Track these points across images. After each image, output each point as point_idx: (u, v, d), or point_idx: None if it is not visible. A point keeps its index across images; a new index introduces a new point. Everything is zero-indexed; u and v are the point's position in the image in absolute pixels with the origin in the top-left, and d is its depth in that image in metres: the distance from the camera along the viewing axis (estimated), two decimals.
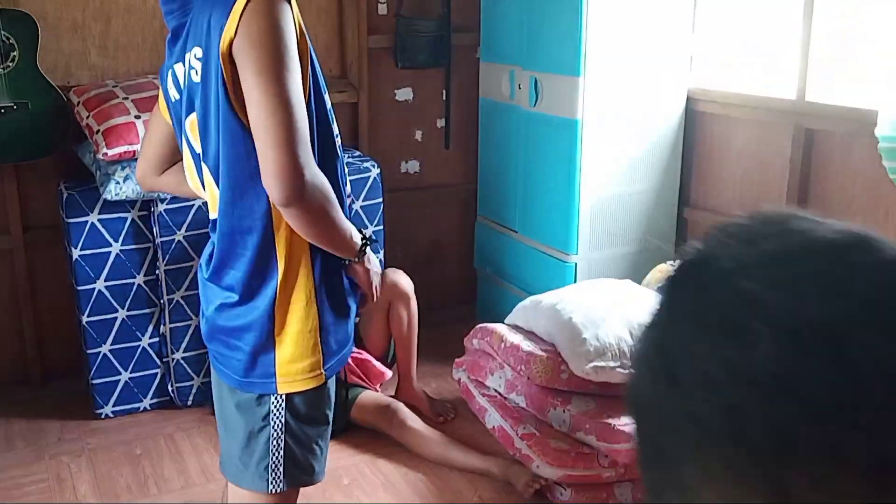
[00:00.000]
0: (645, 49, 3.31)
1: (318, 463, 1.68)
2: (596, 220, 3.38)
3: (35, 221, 3.34)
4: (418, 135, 3.99)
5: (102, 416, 3.18)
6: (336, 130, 1.62)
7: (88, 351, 3.14)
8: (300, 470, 1.65)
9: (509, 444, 2.79)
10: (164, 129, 1.70)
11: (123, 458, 2.94)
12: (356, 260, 1.61)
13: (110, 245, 3.09)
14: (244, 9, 1.39)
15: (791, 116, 3.08)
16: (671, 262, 3.21)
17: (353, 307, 1.70)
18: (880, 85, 2.76)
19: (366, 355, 3.19)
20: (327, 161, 1.54)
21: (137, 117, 3.00)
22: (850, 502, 0.43)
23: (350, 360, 3.13)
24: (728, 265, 0.50)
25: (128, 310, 3.17)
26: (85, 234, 3.04)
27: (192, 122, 1.55)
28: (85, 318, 3.11)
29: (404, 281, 3.22)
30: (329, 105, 1.60)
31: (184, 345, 3.21)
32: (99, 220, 3.06)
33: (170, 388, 3.25)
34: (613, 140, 3.33)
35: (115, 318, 3.15)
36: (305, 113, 1.43)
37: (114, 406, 3.19)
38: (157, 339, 3.22)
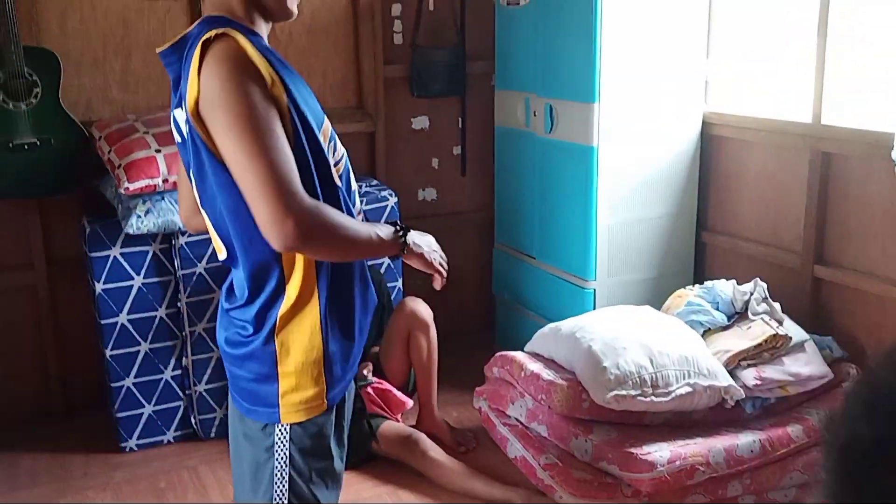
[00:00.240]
0: (660, 74, 3.33)
1: (325, 496, 1.66)
2: (613, 246, 3.39)
3: (58, 256, 3.38)
4: (435, 162, 4.02)
5: (126, 450, 3.20)
6: (335, 160, 1.60)
7: (112, 384, 3.16)
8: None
9: (532, 474, 2.79)
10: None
11: (148, 491, 2.95)
12: (403, 253, 1.64)
13: (132, 278, 3.12)
14: (199, 69, 1.42)
15: (807, 140, 3.08)
16: (690, 286, 3.21)
17: (365, 329, 1.69)
18: None
19: (386, 385, 3.20)
20: (325, 195, 1.54)
21: (158, 151, 3.04)
22: None
23: (371, 390, 3.14)
24: None
25: (150, 343, 3.19)
26: (107, 267, 3.08)
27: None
28: (108, 352, 3.13)
29: (423, 309, 3.23)
30: (324, 136, 1.57)
31: (206, 377, 3.23)
32: (121, 253, 3.09)
33: (193, 421, 3.27)
34: (629, 165, 3.34)
35: (138, 352, 3.17)
36: (286, 154, 1.42)
37: (138, 439, 3.21)
38: (179, 372, 3.24)
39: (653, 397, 2.64)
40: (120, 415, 3.18)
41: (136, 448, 3.21)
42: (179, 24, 3.38)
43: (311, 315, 1.56)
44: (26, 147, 3.09)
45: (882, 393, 0.58)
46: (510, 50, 3.72)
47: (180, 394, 3.26)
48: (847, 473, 0.58)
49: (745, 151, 3.39)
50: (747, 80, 3.47)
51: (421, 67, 3.81)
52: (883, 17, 2.94)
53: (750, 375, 2.77)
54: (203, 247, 3.12)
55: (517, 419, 2.96)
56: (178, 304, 3.18)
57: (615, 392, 2.62)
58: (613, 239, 3.38)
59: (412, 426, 3.16)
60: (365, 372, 3.17)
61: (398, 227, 1.63)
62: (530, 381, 2.86)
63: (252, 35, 1.50)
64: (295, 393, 1.58)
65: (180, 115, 1.53)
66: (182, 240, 3.11)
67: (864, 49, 3.01)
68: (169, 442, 3.26)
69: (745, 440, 2.66)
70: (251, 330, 1.58)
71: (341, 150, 1.65)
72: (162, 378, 3.23)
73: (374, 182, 3.67)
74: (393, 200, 3.51)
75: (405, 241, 1.63)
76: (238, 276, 1.59)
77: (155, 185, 3.00)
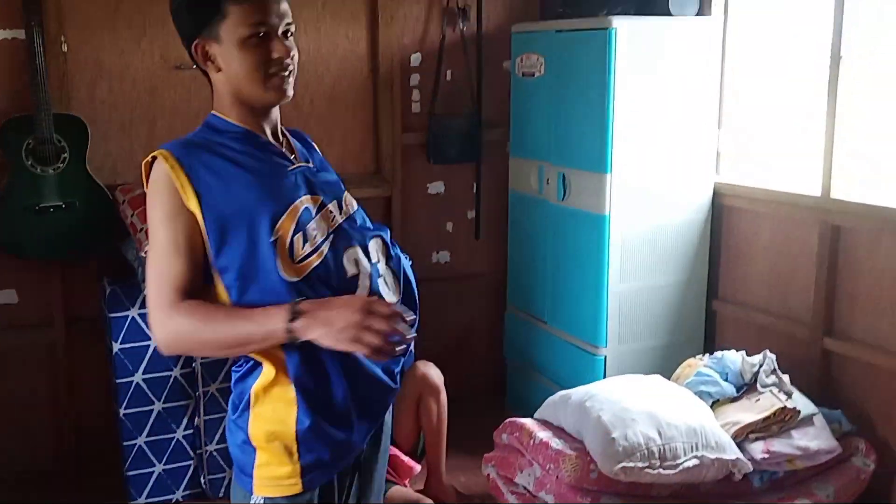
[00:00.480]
0: (672, 144, 3.39)
1: None
2: (624, 313, 3.42)
3: (77, 315, 3.46)
4: (449, 226, 4.09)
5: None
6: (305, 252, 1.56)
7: (124, 443, 3.20)
8: None
9: None
10: None
11: None
12: (297, 339, 1.48)
13: (149, 339, 3.18)
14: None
15: (816, 213, 3.12)
16: (699, 356, 3.22)
17: (365, 420, 1.64)
18: None
19: (395, 450, 3.21)
20: (265, 287, 1.53)
21: None
22: None
23: None
24: None
25: (164, 402, 3.23)
26: (125, 327, 3.14)
27: None
28: (122, 411, 3.18)
29: (434, 374, 3.25)
30: (282, 230, 1.55)
31: (217, 436, 3.26)
32: (139, 314, 3.15)
33: (202, 480, 3.29)
34: (641, 233, 3.39)
35: (152, 411, 3.22)
36: (169, 265, 1.53)
37: (147, 497, 3.24)
38: (191, 431, 3.28)
39: (661, 469, 2.64)
40: (131, 473, 3.22)
41: None
42: (204, 91, 3.45)
43: (282, 391, 1.58)
44: (52, 210, 3.18)
45: None
46: (525, 119, 3.80)
47: (191, 453, 3.29)
48: None
49: (755, 222, 3.42)
50: (758, 151, 3.52)
51: (438, 134, 3.90)
52: (892, 92, 2.99)
53: (758, 448, 2.76)
54: None
55: (525, 487, 2.96)
56: (193, 365, 3.23)
57: (623, 464, 2.63)
58: (624, 306, 3.41)
59: (420, 491, 3.17)
60: None
61: (291, 313, 1.47)
62: (539, 450, 2.87)
63: (211, 142, 1.63)
64: (267, 467, 1.60)
65: None
66: None
67: (874, 124, 3.06)
68: (178, 501, 3.28)
69: None
70: (237, 399, 1.65)
71: (320, 242, 1.59)
72: (174, 437, 3.26)
73: None
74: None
75: (291, 328, 1.47)
76: None
77: None
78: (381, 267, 1.67)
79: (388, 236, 1.73)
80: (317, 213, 1.62)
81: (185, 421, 3.27)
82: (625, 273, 3.39)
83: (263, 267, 1.54)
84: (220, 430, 3.26)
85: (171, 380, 3.23)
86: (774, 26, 3.41)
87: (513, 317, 3.99)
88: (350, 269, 1.61)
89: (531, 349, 3.84)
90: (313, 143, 1.83)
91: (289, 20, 1.62)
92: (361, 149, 3.88)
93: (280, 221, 1.56)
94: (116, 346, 3.14)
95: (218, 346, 1.54)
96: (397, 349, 1.45)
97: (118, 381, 3.17)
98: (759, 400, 2.88)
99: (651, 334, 3.48)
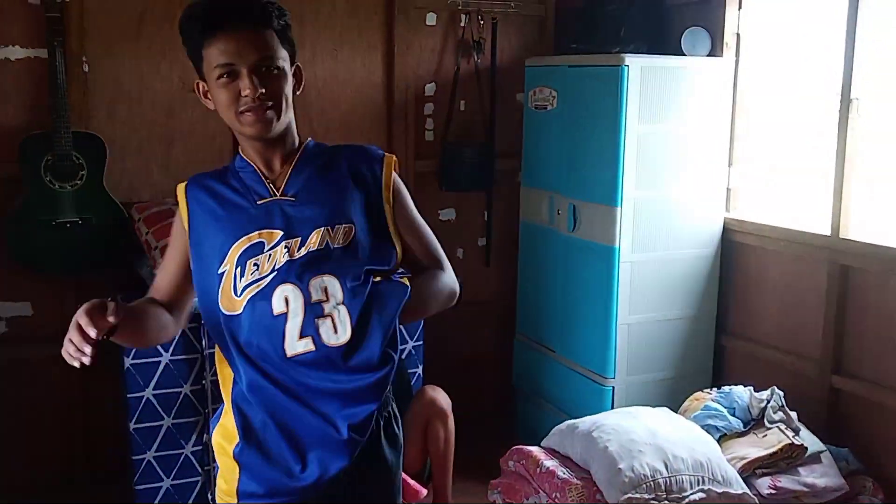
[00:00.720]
0: (683, 179, 3.43)
1: None
2: (633, 345, 3.43)
3: None
4: (460, 252, 4.12)
5: None
6: (247, 282, 1.60)
7: (134, 457, 3.21)
8: None
9: None
10: None
11: None
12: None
13: (161, 355, 3.20)
14: None
15: (826, 252, 3.14)
16: (707, 390, 3.23)
17: (291, 461, 1.64)
18: None
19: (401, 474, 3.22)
20: (210, 322, 1.69)
21: None
22: None
23: None
24: None
25: (174, 417, 3.25)
26: None
27: None
28: (132, 425, 3.19)
29: (443, 398, 3.26)
30: (229, 262, 1.62)
31: None
32: None
33: (209, 496, 3.30)
34: (651, 266, 3.41)
35: (162, 426, 3.23)
36: (162, 271, 1.77)
37: None
38: (199, 448, 3.30)
39: (666, 502, 2.65)
40: (139, 487, 3.22)
41: None
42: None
43: (228, 418, 1.72)
44: (68, 225, 3.22)
45: None
46: (537, 150, 3.84)
47: (199, 469, 3.31)
48: None
49: (765, 259, 3.45)
50: (769, 189, 3.56)
51: (450, 162, 3.95)
52: None
53: (765, 484, 2.77)
54: None
55: None
56: (203, 382, 3.25)
57: (629, 495, 2.64)
58: (633, 338, 3.43)
59: None
60: None
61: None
62: (545, 478, 2.87)
63: (220, 176, 1.73)
64: (221, 478, 1.74)
65: None
66: None
67: (885, 165, 3.09)
68: None
69: None
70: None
71: (261, 277, 1.61)
72: (182, 453, 3.28)
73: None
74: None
75: None
76: None
77: None
78: (329, 306, 1.60)
79: (358, 272, 1.67)
80: (271, 248, 1.61)
81: (193, 437, 3.28)
82: (634, 305, 3.41)
83: (210, 297, 1.65)
84: None
85: (182, 396, 3.25)
86: (786, 67, 3.45)
87: (521, 345, 4.01)
88: (277, 308, 1.59)
89: (539, 377, 3.86)
90: (372, 158, 1.82)
91: (268, 53, 1.58)
92: None
93: (227, 255, 1.63)
94: (128, 362, 3.17)
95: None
96: (70, 360, 1.42)
97: (129, 395, 3.19)
98: (766, 435, 2.89)
99: (659, 367, 3.50)
